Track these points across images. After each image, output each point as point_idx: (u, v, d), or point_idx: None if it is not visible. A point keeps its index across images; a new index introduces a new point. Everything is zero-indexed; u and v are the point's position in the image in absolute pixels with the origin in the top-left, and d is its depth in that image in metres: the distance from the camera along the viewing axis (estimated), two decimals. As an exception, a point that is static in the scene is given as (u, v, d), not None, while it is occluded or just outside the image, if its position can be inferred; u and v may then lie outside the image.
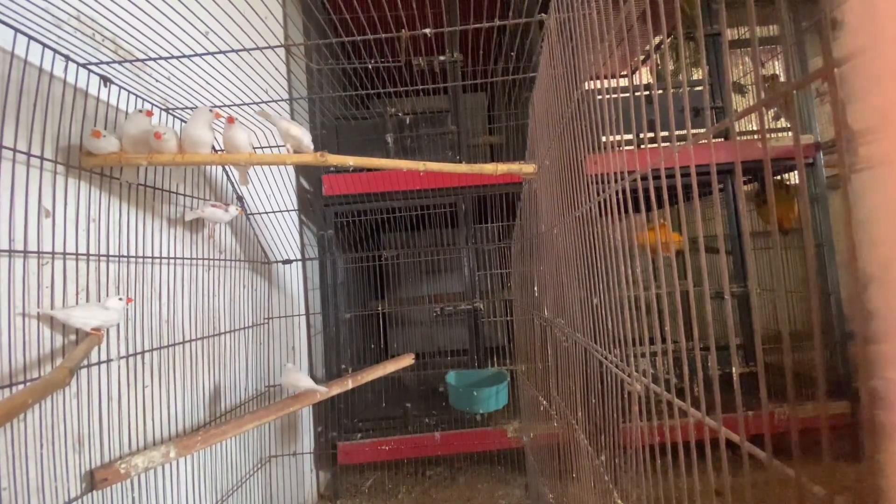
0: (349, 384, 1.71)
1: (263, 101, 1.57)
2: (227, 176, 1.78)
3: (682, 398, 0.56)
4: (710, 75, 2.65)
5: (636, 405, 0.69)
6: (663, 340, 0.57)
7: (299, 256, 2.29)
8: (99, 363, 1.13)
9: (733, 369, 0.39)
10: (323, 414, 2.41)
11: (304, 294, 2.48)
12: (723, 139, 2.35)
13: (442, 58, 2.43)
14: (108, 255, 1.18)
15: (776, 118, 2.83)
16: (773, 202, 0.35)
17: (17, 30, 0.96)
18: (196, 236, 1.59)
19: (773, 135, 2.68)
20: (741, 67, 3.13)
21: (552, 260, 1.28)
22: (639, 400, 0.68)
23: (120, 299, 1.11)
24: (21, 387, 0.92)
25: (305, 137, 1.34)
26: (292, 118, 2.36)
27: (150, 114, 1.20)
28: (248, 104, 1.53)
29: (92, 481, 1.07)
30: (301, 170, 2.53)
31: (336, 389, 1.68)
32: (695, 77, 2.93)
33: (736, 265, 2.53)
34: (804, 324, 2.44)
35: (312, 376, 2.44)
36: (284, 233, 2.11)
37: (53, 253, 1.02)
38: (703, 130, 0.48)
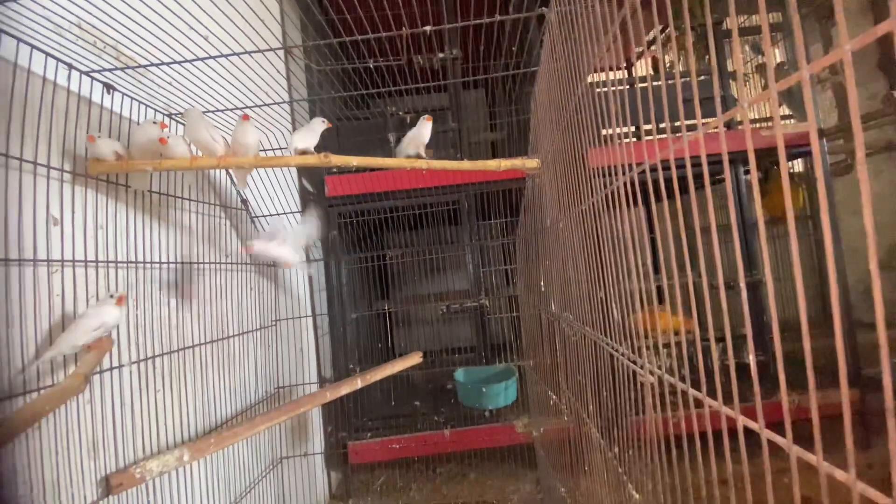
0: (358, 384, 1.72)
1: (265, 104, 1.57)
2: (232, 180, 1.79)
3: (695, 388, 0.56)
4: (710, 64, 2.64)
5: (650, 397, 0.69)
6: (676, 332, 0.57)
7: (304, 258, 2.30)
8: (111, 369, 1.14)
9: (750, 357, 0.39)
10: (333, 414, 2.42)
11: (309, 295, 2.49)
12: (726, 129, 2.34)
13: (441, 55, 2.42)
14: (116, 262, 1.18)
15: (779, 106, 2.81)
16: (787, 188, 0.35)
17: (20, 40, 0.96)
18: (202, 240, 1.59)
19: (772, 123, 2.67)
20: (742, 56, 3.11)
21: (558, 254, 1.28)
22: (652, 391, 0.68)
23: (112, 296, 1.05)
24: (35, 394, 0.92)
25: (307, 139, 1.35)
26: (293, 120, 2.36)
27: (163, 125, 1.20)
28: (249, 107, 1.53)
29: (107, 486, 1.08)
30: (303, 171, 2.54)
31: (345, 389, 1.68)
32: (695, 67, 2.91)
33: (743, 255, 2.52)
34: (814, 312, 2.43)
35: (321, 376, 2.45)
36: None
37: (63, 261, 1.03)
38: (712, 119, 0.48)
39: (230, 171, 1.76)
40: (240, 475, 1.69)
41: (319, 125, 1.38)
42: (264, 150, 1.76)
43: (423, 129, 1.48)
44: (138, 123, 1.27)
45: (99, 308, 1.04)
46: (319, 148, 1.39)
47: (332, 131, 2.62)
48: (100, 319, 1.01)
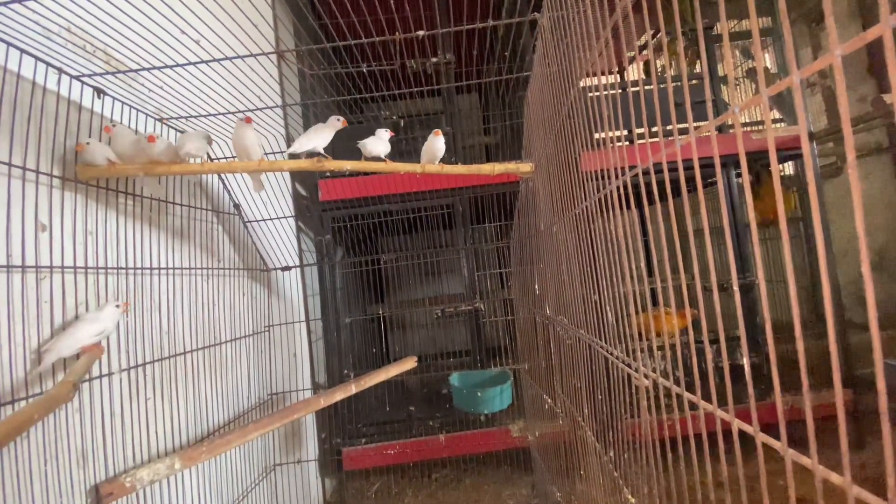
0: (353, 389, 1.70)
1: (258, 108, 1.56)
2: (224, 185, 1.78)
3: (690, 391, 0.56)
4: (701, 69, 2.67)
5: (644, 399, 0.69)
6: (682, 329, 0.57)
7: (297, 263, 2.28)
8: (100, 377, 1.12)
9: (744, 359, 0.39)
10: (327, 420, 2.40)
11: (303, 300, 2.47)
12: (717, 132, 2.36)
13: (435, 59, 2.43)
14: (106, 268, 1.17)
15: (769, 110, 2.85)
16: (779, 191, 0.36)
17: (9, 44, 0.95)
18: (194, 246, 1.58)
19: (763, 126, 2.70)
20: (732, 61, 3.15)
21: (553, 258, 1.28)
22: (647, 394, 0.68)
23: (117, 306, 1.09)
24: (24, 403, 0.91)
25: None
26: (286, 124, 2.36)
27: (107, 129, 1.16)
28: (242, 112, 1.52)
29: (97, 496, 1.06)
30: (297, 176, 2.53)
31: (339, 395, 1.67)
32: (687, 71, 2.94)
33: (735, 257, 2.54)
34: (805, 313, 2.45)
35: (315, 382, 2.43)
36: (282, 239, 2.10)
37: (52, 267, 1.01)
38: (704, 123, 0.49)
39: (225, 177, 1.75)
40: (232, 483, 1.67)
41: (335, 123, 1.38)
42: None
43: (437, 143, 1.44)
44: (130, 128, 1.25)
45: (101, 313, 1.05)
46: (312, 151, 1.38)
47: (326, 135, 2.62)
48: (102, 325, 1.04)
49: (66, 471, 1.00)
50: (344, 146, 2.61)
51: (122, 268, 1.22)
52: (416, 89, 1.67)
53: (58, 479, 0.98)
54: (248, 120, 1.24)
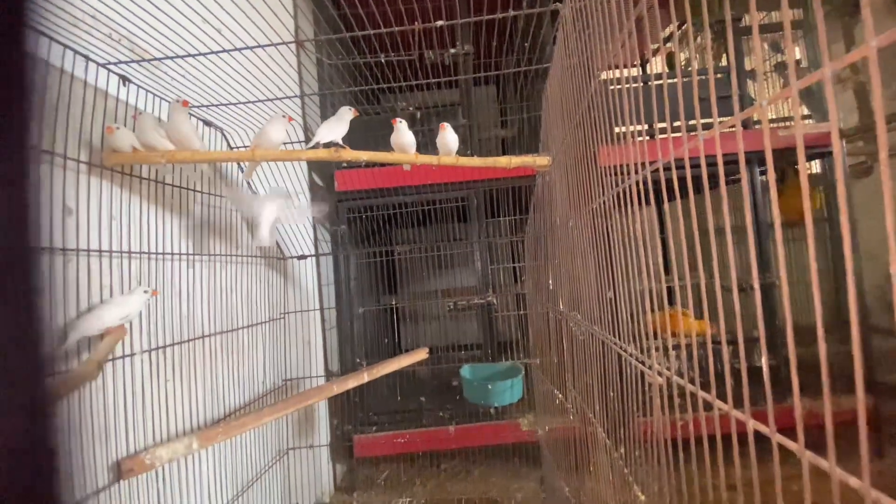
0: (365, 377, 1.73)
1: (277, 98, 1.57)
2: (242, 171, 1.80)
3: (705, 390, 0.55)
4: (726, 63, 2.59)
5: (658, 398, 0.68)
6: (698, 335, 0.56)
7: (313, 252, 2.31)
8: (123, 357, 1.16)
9: (763, 360, 0.38)
10: (339, 407, 2.44)
11: (318, 289, 2.50)
12: (742, 128, 2.30)
13: (453, 50, 2.41)
14: (129, 252, 1.20)
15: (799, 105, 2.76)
16: (806, 190, 0.35)
17: (39, 32, 0.97)
18: (213, 232, 1.61)
19: (790, 123, 2.62)
20: (761, 55, 3.05)
21: (568, 253, 1.27)
22: (660, 392, 0.67)
23: (145, 291, 1.14)
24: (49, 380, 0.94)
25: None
26: (304, 114, 2.37)
27: (185, 104, 1.24)
28: (261, 101, 1.54)
29: (118, 471, 1.10)
30: (313, 166, 2.55)
31: (352, 383, 1.69)
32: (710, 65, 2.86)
33: (757, 257, 2.49)
34: (827, 316, 2.39)
35: (328, 370, 2.47)
36: (298, 228, 2.13)
37: (77, 250, 1.04)
38: (729, 118, 0.47)
39: (244, 165, 1.77)
40: (247, 465, 1.71)
41: (348, 114, 1.39)
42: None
43: (447, 136, 1.44)
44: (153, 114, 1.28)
45: (128, 298, 1.10)
46: (331, 142, 1.39)
47: (343, 126, 2.63)
48: (128, 309, 1.09)
49: (90, 446, 1.04)
50: (361, 137, 2.62)
51: (144, 252, 1.25)
52: (433, 80, 1.67)
53: (80, 455, 1.02)
54: (290, 119, 1.27)
